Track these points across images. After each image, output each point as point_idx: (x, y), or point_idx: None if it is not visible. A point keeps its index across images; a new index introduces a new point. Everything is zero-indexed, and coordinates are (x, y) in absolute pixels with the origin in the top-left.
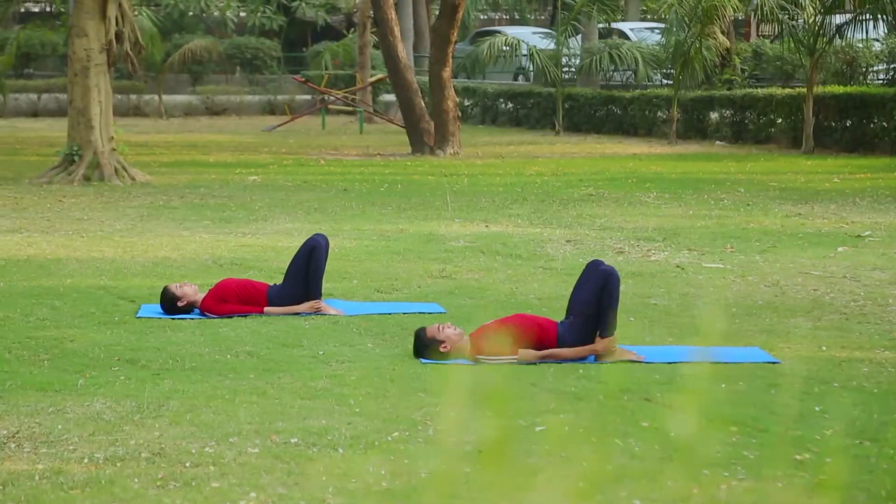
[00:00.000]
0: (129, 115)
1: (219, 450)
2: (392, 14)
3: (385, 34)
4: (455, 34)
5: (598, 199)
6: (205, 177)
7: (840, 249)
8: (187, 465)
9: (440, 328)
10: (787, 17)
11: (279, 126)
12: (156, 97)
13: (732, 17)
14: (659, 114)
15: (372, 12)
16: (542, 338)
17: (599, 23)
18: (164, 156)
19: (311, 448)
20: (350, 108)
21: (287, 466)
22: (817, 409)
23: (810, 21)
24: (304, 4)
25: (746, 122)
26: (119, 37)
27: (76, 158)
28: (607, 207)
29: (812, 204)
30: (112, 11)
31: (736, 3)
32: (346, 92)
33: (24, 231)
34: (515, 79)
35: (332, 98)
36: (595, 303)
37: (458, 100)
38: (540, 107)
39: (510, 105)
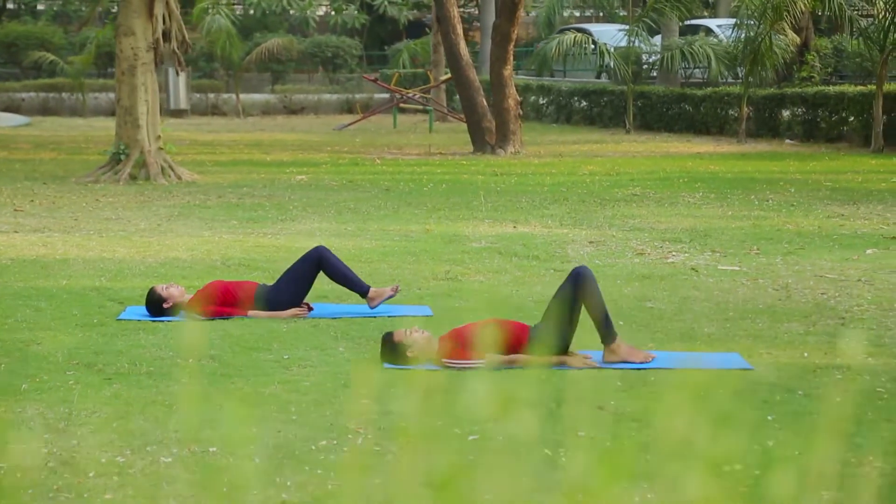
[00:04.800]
0: (206, 114)
1: (130, 459)
2: (454, 11)
3: (447, 31)
4: (515, 32)
5: (640, 199)
6: (253, 176)
7: (868, 252)
8: (91, 475)
9: (408, 332)
10: (855, 12)
11: (350, 125)
12: (234, 96)
13: (808, 13)
14: (730, 112)
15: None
16: (513, 342)
17: (681, 20)
18: (224, 155)
19: (227, 457)
20: (422, 107)
21: (192, 477)
22: (770, 418)
23: (880, 17)
24: (386, 3)
25: (818, 120)
26: (166, 35)
27: (123, 157)
28: (646, 208)
29: (859, 204)
30: (159, 10)
31: None
32: (416, 90)
33: (45, 230)
34: (598, 77)
35: (405, 96)
36: (566, 306)
37: (520, 98)
38: (613, 105)
39: (584, 103)
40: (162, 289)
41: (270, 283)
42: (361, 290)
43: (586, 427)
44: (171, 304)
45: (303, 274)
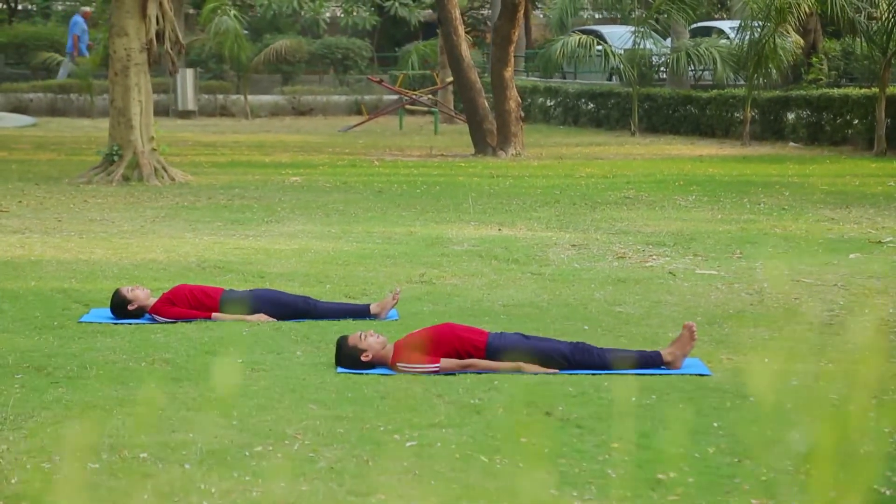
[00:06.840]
0: (215, 115)
1: (57, 465)
2: (456, 13)
3: (448, 33)
4: (516, 34)
5: (632, 202)
6: (248, 177)
7: (851, 256)
8: (13, 481)
9: (362, 336)
10: (859, 15)
11: (356, 126)
12: (242, 97)
13: (815, 15)
14: (736, 114)
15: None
16: (469, 347)
17: (688, 22)
18: (224, 156)
19: (156, 464)
20: (428, 109)
21: (117, 484)
22: (715, 424)
23: (883, 19)
24: (397, 4)
25: (823, 123)
26: (159, 36)
27: (116, 158)
28: (636, 211)
29: (851, 208)
30: (152, 10)
31: (811, 1)
32: (422, 92)
33: (26, 231)
34: (609, 79)
35: (412, 98)
36: (563, 361)
37: (524, 101)
38: (619, 107)
39: (591, 105)
40: (127, 290)
41: (240, 286)
42: (363, 314)
43: (530, 434)
44: (136, 306)
45: (290, 307)
